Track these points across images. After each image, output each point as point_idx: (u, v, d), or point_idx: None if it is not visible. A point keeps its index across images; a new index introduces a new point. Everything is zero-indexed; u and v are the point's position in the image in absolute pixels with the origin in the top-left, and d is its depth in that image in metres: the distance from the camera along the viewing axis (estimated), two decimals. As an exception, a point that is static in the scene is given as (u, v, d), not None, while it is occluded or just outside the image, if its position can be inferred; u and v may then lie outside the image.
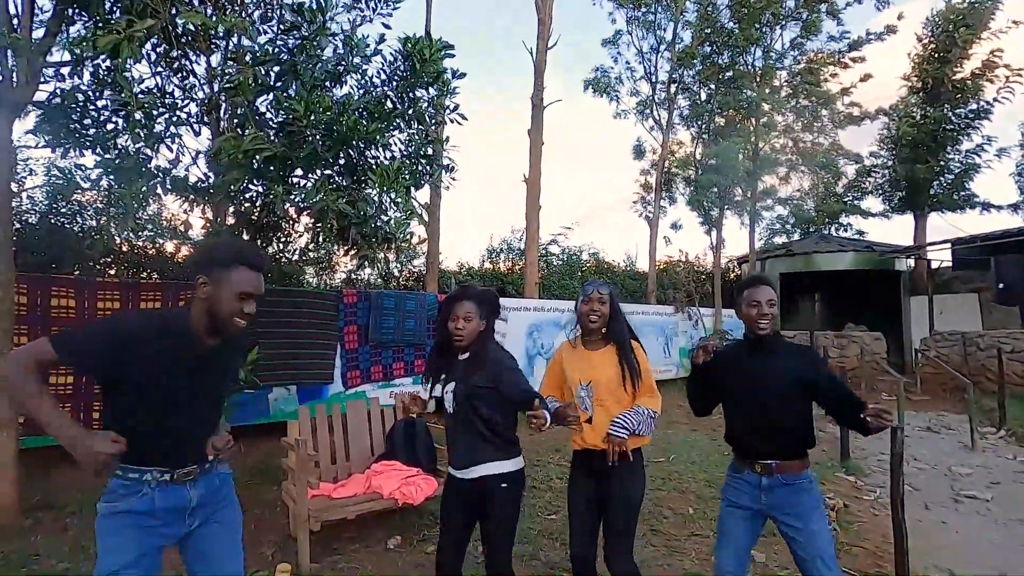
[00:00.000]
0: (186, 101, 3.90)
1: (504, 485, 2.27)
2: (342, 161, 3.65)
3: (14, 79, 3.70)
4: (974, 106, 13.41)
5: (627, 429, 2.32)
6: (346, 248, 3.46)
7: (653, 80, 11.98)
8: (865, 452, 6.42)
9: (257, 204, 3.86)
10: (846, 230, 16.80)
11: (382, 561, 3.45)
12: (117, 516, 1.63)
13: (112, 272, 5.79)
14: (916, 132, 12.86)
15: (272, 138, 3.25)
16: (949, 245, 11.69)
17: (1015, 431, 7.09)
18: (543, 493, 4.72)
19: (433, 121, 4.09)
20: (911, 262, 13.84)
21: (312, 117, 2.99)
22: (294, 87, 3.18)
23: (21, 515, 3.75)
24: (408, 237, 3.55)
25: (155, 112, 3.36)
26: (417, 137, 3.98)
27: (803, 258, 13.93)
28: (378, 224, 3.27)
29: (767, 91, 11.08)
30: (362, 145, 3.56)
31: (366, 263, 3.42)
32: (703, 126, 12.07)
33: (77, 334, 1.71)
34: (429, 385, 2.52)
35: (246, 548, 3.52)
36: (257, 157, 3.06)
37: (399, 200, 3.49)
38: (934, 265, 12.95)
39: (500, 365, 2.31)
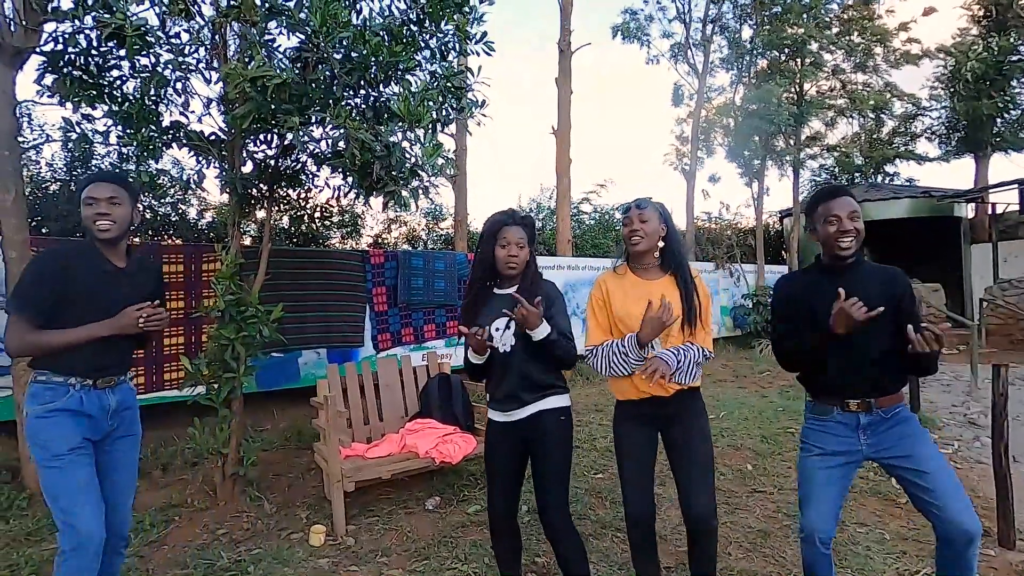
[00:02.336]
0: (195, 46, 3.65)
1: (563, 418, 2.13)
2: (362, 95, 3.33)
3: (12, 26, 3.49)
4: (1044, 33, 12.20)
5: (677, 359, 2.00)
6: (369, 188, 3.16)
7: (687, 20, 11.19)
8: (935, 405, 5.96)
9: (273, 146, 3.59)
10: (894, 179, 15.76)
11: (421, 522, 3.26)
12: (54, 413, 1.91)
13: (137, 239, 5.71)
14: (980, 65, 11.76)
15: (285, 66, 2.96)
16: (1017, 186, 10.76)
17: (1101, 380, 6.48)
18: (588, 452, 4.47)
19: (460, 52, 3.73)
20: (972, 208, 12.87)
21: (329, 34, 2.67)
22: (308, 2, 2.85)
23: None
24: (437, 170, 3.22)
25: (152, 47, 3.10)
26: (441, 72, 3.62)
27: (851, 208, 13.11)
28: (401, 157, 2.95)
29: (815, 27, 10.17)
30: (383, 75, 3.22)
31: (392, 202, 3.10)
32: (743, 68, 11.26)
33: (21, 288, 1.93)
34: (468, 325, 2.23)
35: (280, 511, 3.42)
36: (268, 85, 2.76)
37: (425, 136, 3.16)
38: (999, 209, 12.01)
39: (554, 299, 2.15)
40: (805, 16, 10.44)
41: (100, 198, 1.95)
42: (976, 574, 1.84)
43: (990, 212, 11.86)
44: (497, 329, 2.13)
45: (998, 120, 12.67)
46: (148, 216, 5.62)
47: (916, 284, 11.67)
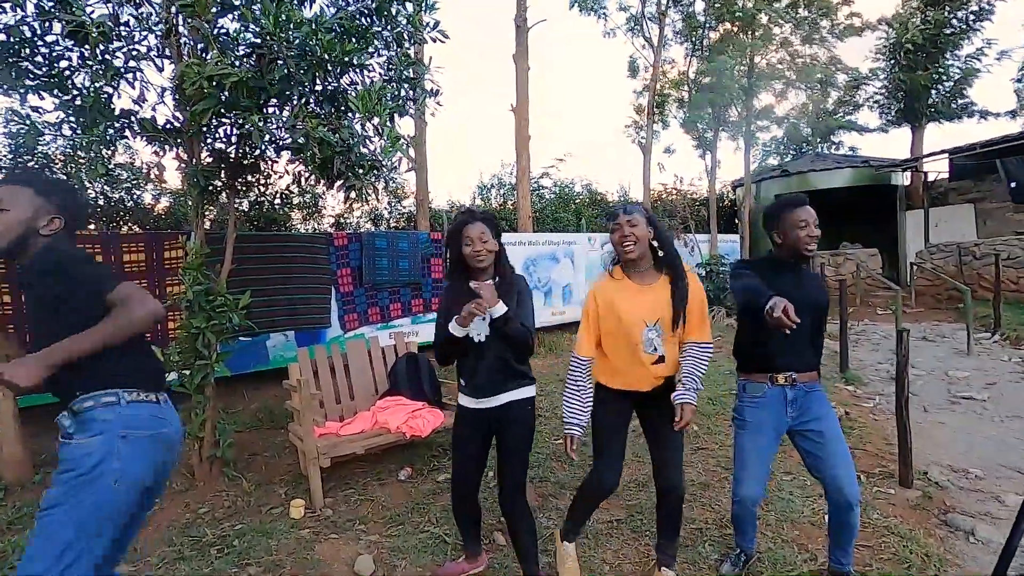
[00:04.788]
0: (144, 33, 3.61)
1: (529, 407, 2.31)
2: (319, 88, 3.40)
3: (-51, 16, 3.39)
4: (975, 7, 12.82)
5: (695, 390, 2.19)
6: (330, 181, 3.27)
7: (642, -8, 11.30)
8: (863, 363, 6.53)
9: (232, 139, 3.63)
10: (838, 148, 16.48)
11: (394, 492, 3.50)
12: None
13: (91, 226, 5.60)
14: (917, 37, 12.34)
15: (240, 62, 3.00)
16: (947, 155, 11.47)
17: (1008, 335, 7.20)
18: (550, 420, 4.78)
19: (413, 41, 3.80)
20: (907, 176, 13.65)
21: (283, 34, 2.74)
22: (259, 3, 2.89)
23: (31, 470, 3.76)
24: (396, 165, 3.35)
25: (111, 42, 3.09)
26: (397, 60, 3.70)
27: (798, 178, 13.70)
28: (362, 152, 3.07)
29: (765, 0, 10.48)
30: (338, 69, 3.30)
31: (353, 194, 3.23)
32: (696, 42, 11.49)
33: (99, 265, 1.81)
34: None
35: (260, 488, 3.60)
36: (225, 83, 2.82)
37: (383, 127, 3.28)
38: (930, 178, 12.78)
39: (520, 291, 2.27)
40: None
41: None
42: (856, 533, 2.24)
43: (923, 180, 12.60)
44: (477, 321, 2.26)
45: (933, 91, 13.35)
46: (102, 204, 5.52)
47: (856, 248, 12.42)
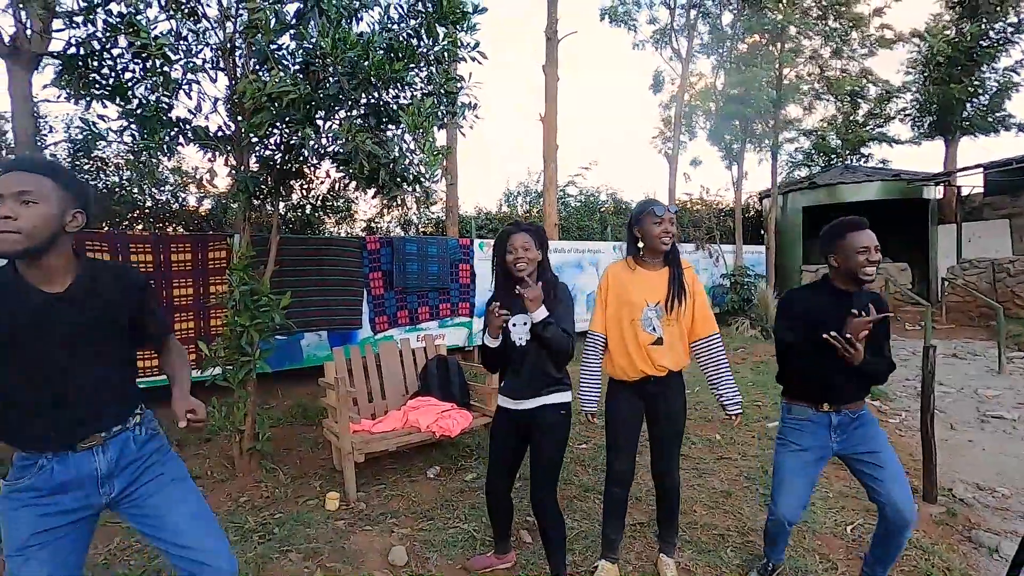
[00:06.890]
0: (200, 47, 3.84)
1: (563, 412, 2.39)
2: (364, 101, 3.58)
3: (28, 31, 3.66)
4: (1014, 18, 12.57)
5: (735, 391, 2.47)
6: (375, 191, 3.44)
7: (672, 5, 11.38)
8: (890, 380, 6.44)
9: (280, 148, 3.84)
10: (867, 160, 16.26)
11: (424, 489, 3.64)
12: (16, 494, 1.48)
13: (140, 227, 5.89)
14: (951, 50, 12.14)
15: (294, 79, 3.19)
16: (981, 170, 11.26)
17: (1043, 355, 7.05)
18: (573, 425, 4.86)
19: (451, 59, 3.96)
20: (939, 190, 13.40)
21: (337, 54, 2.91)
22: (313, 24, 3.08)
23: None
24: (436, 178, 3.51)
25: (172, 56, 3.31)
26: (438, 76, 3.86)
27: (826, 190, 13.54)
28: (406, 165, 3.23)
29: (794, 12, 10.46)
30: (386, 85, 3.47)
31: (394, 204, 3.40)
32: (724, 54, 11.52)
33: None
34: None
35: (295, 480, 3.76)
36: (284, 99, 3.01)
37: (427, 140, 3.44)
38: (964, 192, 12.54)
39: (562, 300, 2.37)
40: (784, 1, 10.68)
41: (5, 194, 1.36)
42: (903, 551, 2.26)
43: (957, 194, 12.37)
44: (514, 325, 2.40)
45: (968, 104, 13.11)
46: (149, 205, 5.81)
47: (885, 264, 12.24)
